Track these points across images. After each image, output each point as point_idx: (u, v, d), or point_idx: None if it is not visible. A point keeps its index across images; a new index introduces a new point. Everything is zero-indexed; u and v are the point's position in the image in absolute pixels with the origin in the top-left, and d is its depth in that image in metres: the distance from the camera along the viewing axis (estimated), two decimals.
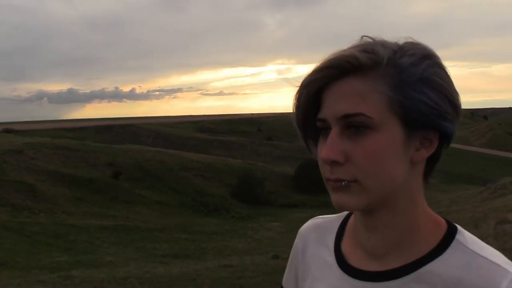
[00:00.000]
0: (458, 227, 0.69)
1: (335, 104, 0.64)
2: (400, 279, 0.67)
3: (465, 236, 0.68)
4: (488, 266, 0.63)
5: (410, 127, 0.63)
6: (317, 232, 0.83)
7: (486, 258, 0.64)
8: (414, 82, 0.62)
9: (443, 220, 0.70)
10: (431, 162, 0.69)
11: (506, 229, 6.73)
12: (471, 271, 0.63)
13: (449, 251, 0.66)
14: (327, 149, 0.64)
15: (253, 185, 37.08)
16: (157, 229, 23.43)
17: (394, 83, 0.62)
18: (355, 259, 0.73)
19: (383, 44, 0.64)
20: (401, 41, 0.65)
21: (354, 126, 0.63)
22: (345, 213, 0.81)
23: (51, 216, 22.99)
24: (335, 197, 0.66)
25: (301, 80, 0.68)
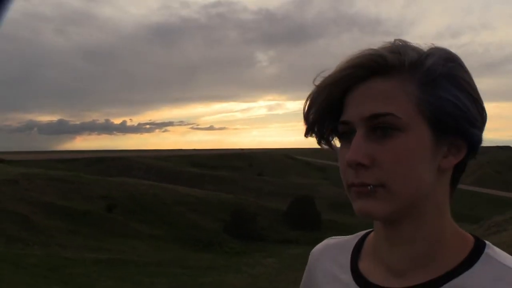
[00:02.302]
0: (487, 242, 0.66)
1: (362, 105, 0.62)
2: None
3: (495, 250, 0.64)
4: None
5: (439, 130, 0.61)
6: (330, 251, 0.79)
7: None
8: (441, 81, 0.61)
9: (469, 234, 0.67)
10: (457, 172, 0.66)
11: None
12: (504, 285, 0.59)
13: (478, 265, 0.62)
14: (352, 151, 0.60)
15: (246, 220, 37.02)
16: (153, 264, 23.24)
17: (421, 83, 0.61)
18: (376, 277, 0.68)
19: (409, 46, 0.64)
20: (425, 46, 0.65)
21: (381, 127, 0.61)
22: (362, 232, 0.78)
23: (45, 248, 22.78)
24: (359, 204, 0.62)
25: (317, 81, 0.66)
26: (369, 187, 0.60)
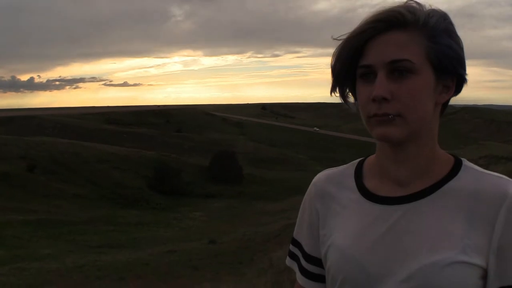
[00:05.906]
0: (463, 158, 0.83)
1: (383, 52, 0.75)
2: (427, 197, 0.78)
3: (470, 163, 0.81)
4: (495, 179, 0.77)
5: (439, 72, 0.76)
6: (333, 178, 0.91)
7: (492, 174, 0.78)
8: (441, 34, 0.76)
9: (449, 154, 0.84)
10: (443, 106, 0.82)
11: None
12: (483, 183, 0.77)
13: (461, 172, 0.79)
14: (378, 88, 0.74)
15: (169, 176, 37.45)
16: (82, 222, 23.36)
17: (428, 35, 0.75)
18: (382, 191, 0.83)
19: (419, 7, 0.77)
20: (427, 6, 0.78)
21: (398, 70, 0.74)
22: (356, 161, 0.92)
23: None
24: (380, 130, 0.76)
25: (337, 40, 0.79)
26: (390, 116, 0.75)
